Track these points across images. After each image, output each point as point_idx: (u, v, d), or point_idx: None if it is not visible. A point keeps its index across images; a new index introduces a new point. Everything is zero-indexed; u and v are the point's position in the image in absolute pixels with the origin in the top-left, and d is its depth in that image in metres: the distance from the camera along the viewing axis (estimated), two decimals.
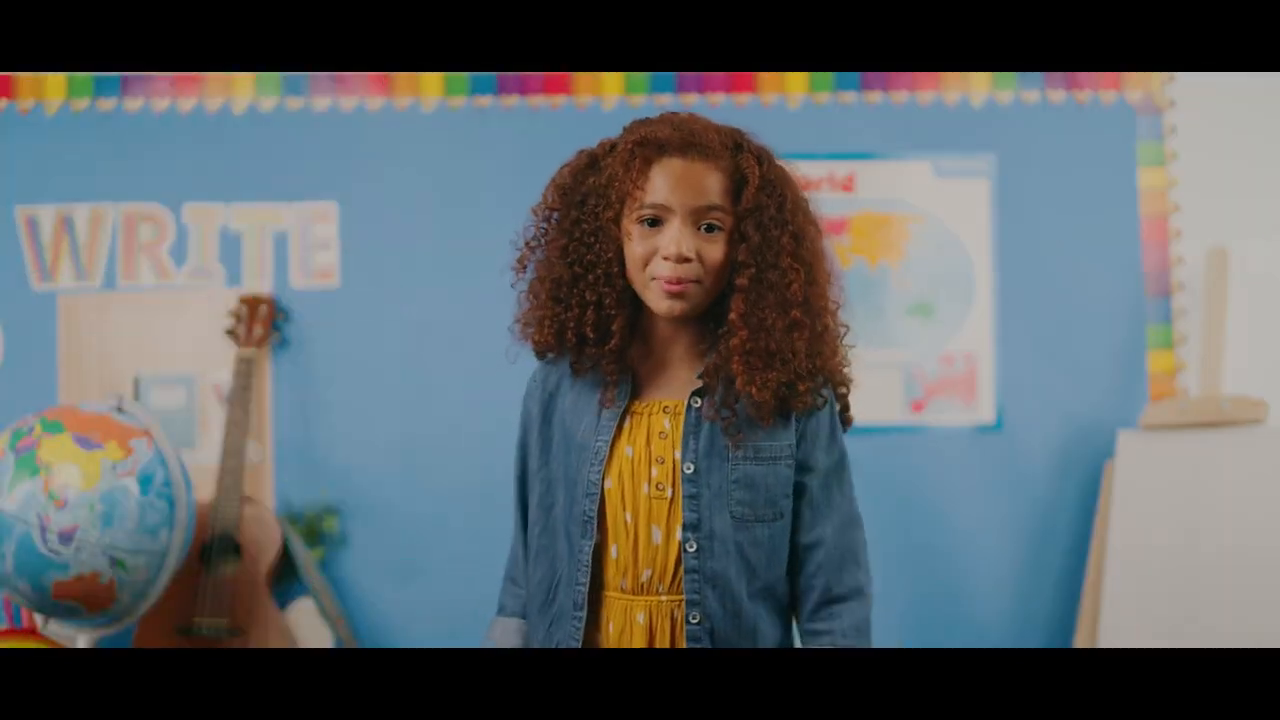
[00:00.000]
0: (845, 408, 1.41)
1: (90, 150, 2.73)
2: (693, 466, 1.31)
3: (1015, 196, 2.75)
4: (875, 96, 2.76)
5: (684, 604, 1.30)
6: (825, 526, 1.37)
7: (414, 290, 2.72)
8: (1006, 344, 2.73)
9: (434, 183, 2.74)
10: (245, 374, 2.60)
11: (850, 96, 2.76)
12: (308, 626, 2.57)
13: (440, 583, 2.65)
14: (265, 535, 2.54)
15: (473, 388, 2.68)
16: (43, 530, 2.07)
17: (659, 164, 1.31)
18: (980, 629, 2.67)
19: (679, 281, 1.30)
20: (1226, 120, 2.76)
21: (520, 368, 1.43)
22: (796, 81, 2.76)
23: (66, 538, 2.07)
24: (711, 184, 1.31)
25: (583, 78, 2.75)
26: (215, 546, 2.49)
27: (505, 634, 1.42)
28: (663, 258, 1.30)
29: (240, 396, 2.58)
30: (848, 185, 2.74)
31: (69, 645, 2.30)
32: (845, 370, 1.39)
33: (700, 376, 1.34)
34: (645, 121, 1.36)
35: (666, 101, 2.73)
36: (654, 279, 1.31)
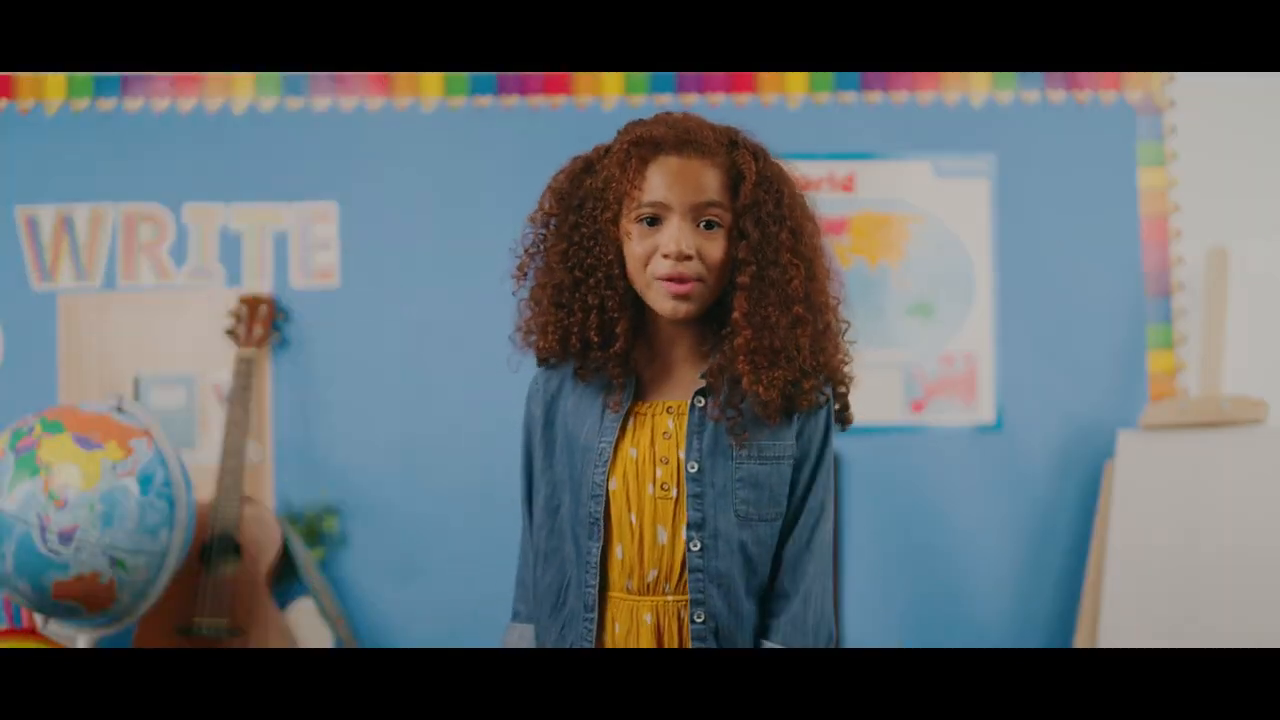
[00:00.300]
0: (845, 406, 1.41)
1: (90, 150, 2.73)
2: (697, 466, 1.30)
3: (1015, 196, 2.75)
4: (875, 96, 2.76)
5: (689, 604, 1.30)
6: (797, 522, 1.34)
7: (414, 290, 2.72)
8: (1006, 344, 2.73)
9: (434, 183, 2.74)
10: (245, 374, 2.60)
11: (850, 96, 2.76)
12: (308, 626, 2.57)
13: (440, 583, 2.65)
14: (265, 535, 2.54)
15: (473, 388, 2.68)
16: (43, 530, 2.07)
17: (655, 163, 1.30)
18: (980, 629, 2.67)
19: (682, 280, 1.29)
20: (1226, 120, 2.76)
21: (520, 370, 1.43)
22: (796, 81, 2.76)
23: (66, 538, 2.07)
24: (709, 180, 1.30)
25: (583, 78, 2.75)
26: (215, 546, 2.49)
27: (524, 641, 1.41)
28: (663, 255, 1.29)
29: (240, 396, 2.58)
30: (848, 185, 2.74)
31: (69, 645, 2.30)
32: (846, 368, 1.38)
33: (704, 377, 1.33)
34: (640, 122, 1.35)
35: (666, 101, 2.73)
36: (656, 279, 1.30)
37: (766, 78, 2.76)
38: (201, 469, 2.56)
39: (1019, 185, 2.75)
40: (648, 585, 1.31)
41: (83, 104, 2.74)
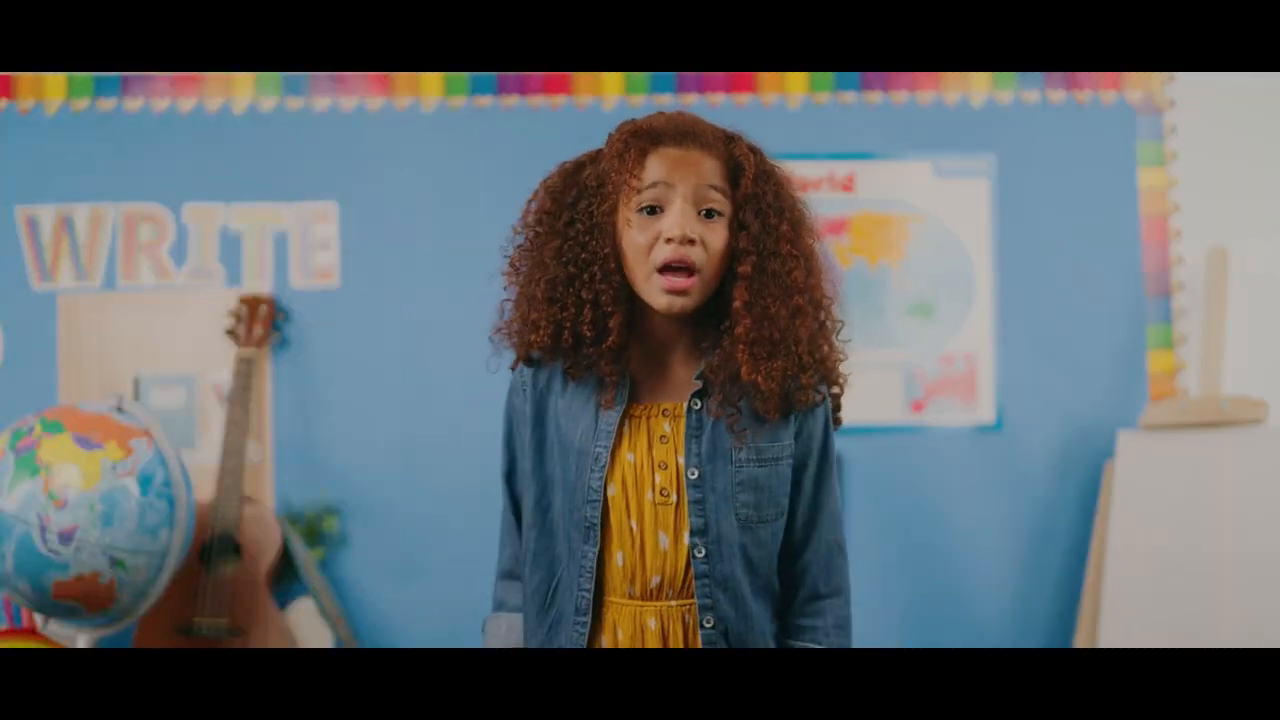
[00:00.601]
0: (837, 407, 1.40)
1: (90, 150, 2.73)
2: (697, 472, 1.30)
3: (1015, 196, 2.75)
4: (875, 96, 2.76)
5: (694, 608, 1.29)
6: (817, 523, 1.37)
7: (414, 290, 2.72)
8: (1006, 344, 2.73)
9: (434, 183, 2.74)
10: (245, 374, 2.60)
11: (850, 96, 2.76)
12: (308, 626, 2.57)
13: (440, 583, 2.65)
14: (265, 535, 2.54)
15: (473, 388, 2.66)
16: (43, 530, 2.07)
17: (655, 153, 1.30)
18: (980, 629, 2.67)
19: (684, 265, 1.27)
20: (1226, 120, 2.76)
21: (498, 371, 1.42)
22: (796, 81, 2.76)
23: (66, 538, 2.07)
24: (709, 168, 1.30)
25: (583, 78, 2.75)
26: (215, 546, 2.49)
27: (513, 630, 1.40)
28: (665, 240, 1.28)
29: (240, 396, 2.58)
30: (848, 185, 2.74)
31: (69, 645, 2.30)
32: (840, 367, 1.38)
33: (700, 375, 1.32)
34: (635, 120, 1.35)
35: (666, 101, 2.73)
36: (657, 269, 1.28)
37: (766, 78, 2.76)
38: (201, 469, 2.56)
39: (1019, 185, 2.75)
40: (651, 591, 1.30)
41: (83, 104, 2.74)
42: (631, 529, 1.30)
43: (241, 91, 2.75)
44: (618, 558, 1.31)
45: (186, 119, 2.74)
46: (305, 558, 2.59)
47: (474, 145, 2.74)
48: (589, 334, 1.31)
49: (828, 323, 1.36)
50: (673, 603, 1.30)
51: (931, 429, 2.72)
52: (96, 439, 2.15)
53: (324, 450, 2.69)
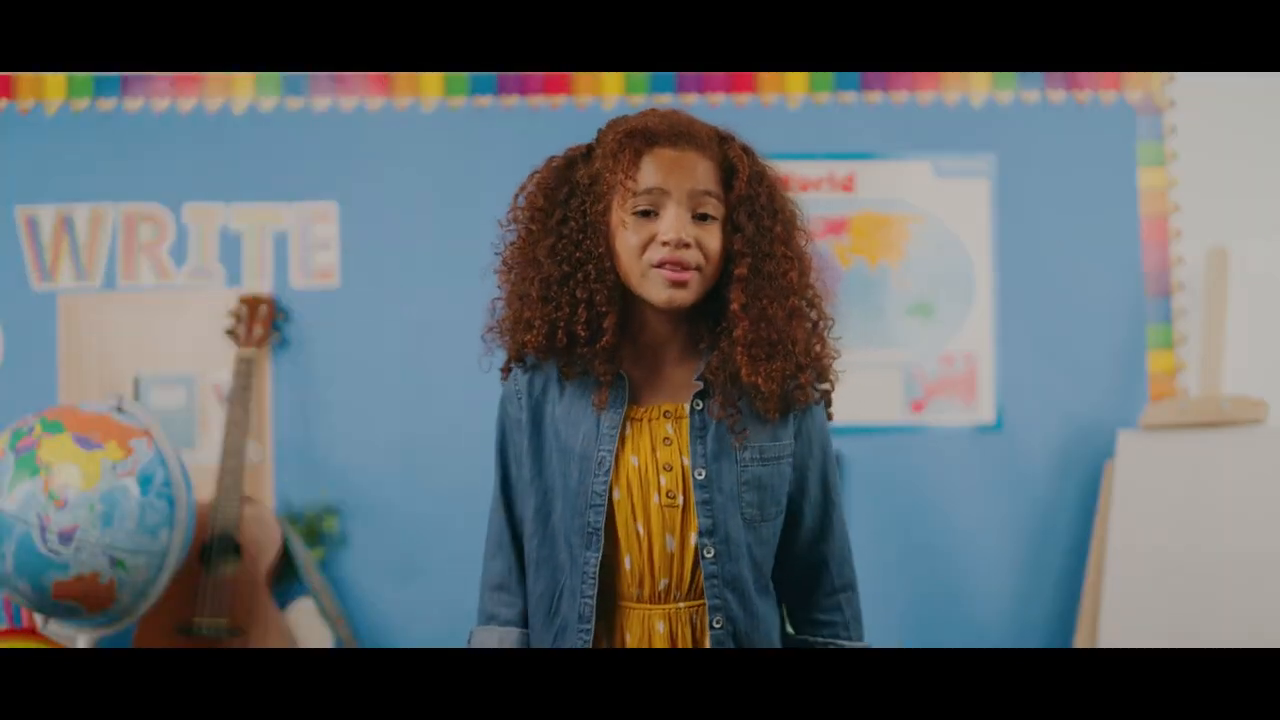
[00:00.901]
0: (828, 403, 1.40)
1: (90, 150, 2.73)
2: (704, 472, 1.29)
3: (1015, 196, 2.75)
4: (875, 96, 2.76)
5: (703, 609, 1.29)
6: (831, 518, 1.39)
7: (414, 290, 2.72)
8: (1006, 344, 2.73)
9: (434, 183, 2.74)
10: (245, 374, 2.60)
11: (850, 96, 2.76)
12: (308, 626, 2.57)
13: (440, 583, 2.65)
14: (265, 535, 2.54)
15: (473, 388, 2.65)
16: (43, 530, 2.07)
17: (650, 154, 1.29)
18: (980, 629, 2.67)
19: (680, 266, 1.27)
20: (1226, 120, 2.76)
21: (490, 371, 1.42)
22: (796, 81, 2.76)
23: (66, 538, 2.07)
24: (704, 171, 1.30)
25: (583, 78, 2.75)
26: (215, 546, 2.49)
27: (505, 644, 1.36)
28: (661, 243, 1.27)
29: (240, 396, 2.58)
30: (848, 185, 2.74)
31: (69, 645, 2.30)
32: (831, 364, 1.37)
33: (700, 377, 1.32)
34: (628, 117, 1.34)
35: (666, 101, 2.72)
36: (653, 266, 1.28)
37: (766, 78, 2.75)
38: (201, 469, 2.56)
39: (1019, 185, 2.75)
40: (659, 594, 1.30)
41: (83, 104, 2.74)
42: (639, 533, 1.30)
43: (241, 91, 2.75)
44: (626, 562, 1.30)
45: (186, 119, 2.74)
46: (305, 558, 2.59)
47: (474, 145, 2.74)
48: (583, 334, 1.30)
49: (821, 322, 1.36)
50: (681, 604, 1.30)
51: (931, 429, 2.72)
52: (96, 439, 2.15)
53: (324, 450, 2.69)
